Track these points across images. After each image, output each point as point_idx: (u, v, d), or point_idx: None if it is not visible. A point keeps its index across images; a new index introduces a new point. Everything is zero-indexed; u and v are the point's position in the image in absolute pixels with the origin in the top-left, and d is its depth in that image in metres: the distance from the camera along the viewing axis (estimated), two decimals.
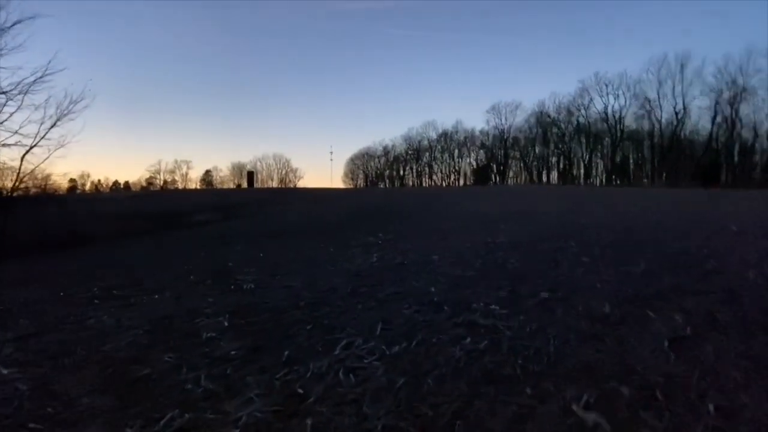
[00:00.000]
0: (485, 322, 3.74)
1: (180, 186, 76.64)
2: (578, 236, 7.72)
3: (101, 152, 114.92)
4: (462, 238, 8.49)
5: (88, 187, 78.54)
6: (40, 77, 16.30)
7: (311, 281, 5.64)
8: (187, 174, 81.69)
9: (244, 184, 65.03)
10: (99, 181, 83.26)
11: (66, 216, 19.06)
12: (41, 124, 16.65)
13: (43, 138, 16.68)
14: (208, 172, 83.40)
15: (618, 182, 55.66)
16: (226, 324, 4.07)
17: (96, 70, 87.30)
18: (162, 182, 79.02)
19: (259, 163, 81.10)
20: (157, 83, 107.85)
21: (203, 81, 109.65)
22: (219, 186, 76.48)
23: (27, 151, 16.51)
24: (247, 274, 6.47)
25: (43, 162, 17.22)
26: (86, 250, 13.71)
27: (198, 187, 76.51)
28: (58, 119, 16.92)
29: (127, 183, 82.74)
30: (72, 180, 69.81)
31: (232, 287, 5.66)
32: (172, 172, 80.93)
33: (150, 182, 79.63)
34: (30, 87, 16.09)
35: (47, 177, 18.95)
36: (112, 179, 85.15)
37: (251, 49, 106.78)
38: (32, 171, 17.22)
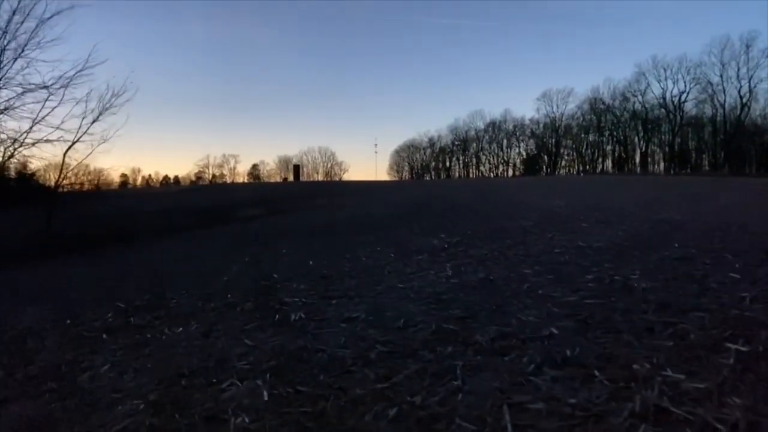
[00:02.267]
0: (680, 410, 2.24)
1: (228, 180, 78.13)
2: (690, 239, 6.07)
3: (153, 147, 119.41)
4: (543, 240, 6.96)
5: (139, 182, 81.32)
6: (81, 70, 16.01)
7: (377, 309, 4.27)
8: (234, 168, 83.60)
9: (291, 178, 65.55)
10: (149, 176, 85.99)
11: (110, 212, 18.87)
12: (83, 118, 16.41)
13: (85, 133, 16.38)
14: (255, 166, 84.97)
15: (676, 171, 52.39)
16: (265, 396, 2.69)
17: (140, 63, 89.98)
18: (210, 176, 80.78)
19: (304, 157, 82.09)
20: (204, 78, 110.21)
21: (249, 75, 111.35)
22: (266, 179, 77.46)
23: (69, 147, 16.30)
24: (294, 293, 5.20)
25: (86, 158, 16.92)
26: (122, 250, 13.02)
27: (245, 180, 77.72)
28: (100, 113, 16.65)
29: (176, 177, 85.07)
30: (123, 175, 72.52)
31: (277, 317, 4.34)
32: (221, 166, 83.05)
33: (199, 176, 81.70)
34: (71, 80, 15.78)
35: (97, 172, 19.00)
36: (162, 174, 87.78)
37: (296, 43, 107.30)
38: (75, 167, 16.98)
